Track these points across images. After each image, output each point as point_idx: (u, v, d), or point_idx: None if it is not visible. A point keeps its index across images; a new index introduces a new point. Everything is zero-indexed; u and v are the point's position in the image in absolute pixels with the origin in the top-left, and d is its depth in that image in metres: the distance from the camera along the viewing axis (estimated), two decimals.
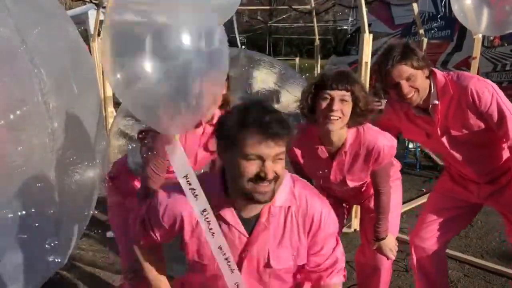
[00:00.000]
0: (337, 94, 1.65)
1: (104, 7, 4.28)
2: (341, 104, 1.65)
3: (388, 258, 1.97)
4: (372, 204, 1.96)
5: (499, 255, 2.99)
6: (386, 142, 1.77)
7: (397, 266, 2.81)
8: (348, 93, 1.66)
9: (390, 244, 1.94)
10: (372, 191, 1.95)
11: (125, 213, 1.87)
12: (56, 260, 2.32)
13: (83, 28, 7.87)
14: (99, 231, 3.10)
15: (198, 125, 1.75)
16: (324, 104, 1.66)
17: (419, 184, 4.54)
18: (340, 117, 1.66)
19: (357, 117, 1.71)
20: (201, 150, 1.85)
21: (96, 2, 4.88)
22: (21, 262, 2.04)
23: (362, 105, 1.68)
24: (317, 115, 1.71)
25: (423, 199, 4.03)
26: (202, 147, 1.85)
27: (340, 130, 1.73)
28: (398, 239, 3.13)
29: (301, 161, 1.89)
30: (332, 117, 1.65)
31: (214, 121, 1.79)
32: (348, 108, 1.67)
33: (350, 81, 1.66)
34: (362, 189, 2.00)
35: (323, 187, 2.09)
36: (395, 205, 2.05)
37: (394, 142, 1.82)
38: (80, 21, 7.98)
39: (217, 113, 1.81)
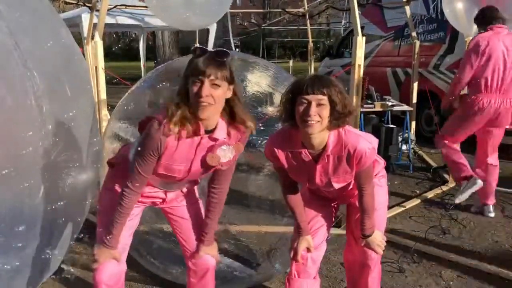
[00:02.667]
0: (313, 98, 1.67)
1: (97, 11, 4.27)
2: (318, 108, 1.68)
3: (376, 253, 1.99)
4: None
5: (491, 256, 3.01)
6: (367, 144, 1.79)
7: (390, 267, 2.83)
8: (325, 97, 1.68)
9: (377, 239, 1.98)
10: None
11: (116, 197, 1.87)
12: (49, 264, 2.31)
13: (77, 31, 7.85)
14: (93, 234, 3.09)
15: (197, 132, 1.71)
16: (301, 109, 1.70)
17: (412, 186, 4.57)
18: (318, 121, 1.69)
19: (336, 120, 1.73)
20: (197, 162, 1.80)
21: (90, 5, 4.88)
22: (14, 267, 2.03)
23: (340, 108, 1.71)
24: (296, 120, 1.74)
25: (416, 201, 4.06)
26: (199, 160, 1.79)
27: (321, 133, 1.76)
28: (390, 240, 3.16)
29: (286, 165, 1.90)
30: (310, 121, 1.68)
31: (215, 134, 1.75)
32: (325, 112, 1.69)
33: (325, 85, 1.69)
34: (349, 188, 2.02)
35: (310, 188, 2.11)
36: (382, 202, 2.07)
37: (375, 143, 1.85)
38: (74, 24, 7.94)
39: (221, 124, 1.76)
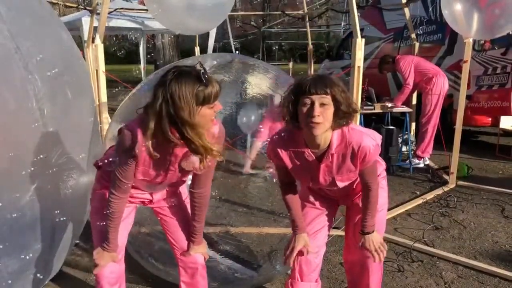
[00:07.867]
0: (316, 98, 1.65)
1: (98, 14, 4.29)
2: (321, 108, 1.66)
3: (374, 260, 1.95)
4: (361, 203, 1.97)
5: (492, 256, 3.02)
6: (371, 141, 1.78)
7: (391, 267, 2.83)
8: (328, 97, 1.66)
9: (376, 241, 1.95)
10: (360, 189, 1.98)
11: (106, 201, 1.87)
12: (51, 266, 2.31)
13: (77, 35, 7.87)
14: None
15: (168, 139, 1.67)
16: (305, 110, 1.67)
17: (412, 187, 4.57)
18: (322, 122, 1.67)
19: (340, 119, 1.72)
20: (174, 167, 1.81)
21: (90, 9, 4.90)
22: (16, 269, 2.04)
23: (344, 107, 1.69)
24: (299, 121, 1.72)
25: (416, 202, 4.06)
26: (175, 164, 1.81)
27: (325, 133, 1.75)
28: (391, 240, 3.17)
29: (289, 165, 1.90)
30: (314, 122, 1.66)
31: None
32: (329, 112, 1.68)
33: (328, 84, 1.67)
34: (352, 188, 2.02)
35: (311, 189, 2.11)
36: (382, 204, 2.06)
37: (379, 140, 1.84)
38: (74, 27, 7.97)
39: None
